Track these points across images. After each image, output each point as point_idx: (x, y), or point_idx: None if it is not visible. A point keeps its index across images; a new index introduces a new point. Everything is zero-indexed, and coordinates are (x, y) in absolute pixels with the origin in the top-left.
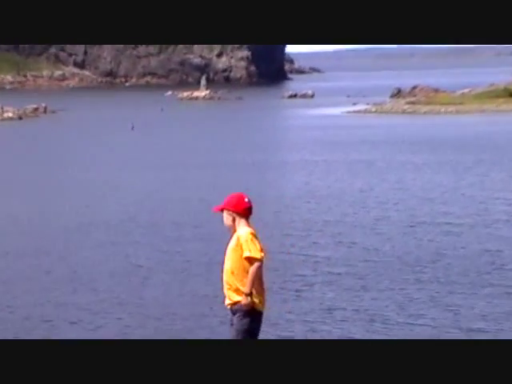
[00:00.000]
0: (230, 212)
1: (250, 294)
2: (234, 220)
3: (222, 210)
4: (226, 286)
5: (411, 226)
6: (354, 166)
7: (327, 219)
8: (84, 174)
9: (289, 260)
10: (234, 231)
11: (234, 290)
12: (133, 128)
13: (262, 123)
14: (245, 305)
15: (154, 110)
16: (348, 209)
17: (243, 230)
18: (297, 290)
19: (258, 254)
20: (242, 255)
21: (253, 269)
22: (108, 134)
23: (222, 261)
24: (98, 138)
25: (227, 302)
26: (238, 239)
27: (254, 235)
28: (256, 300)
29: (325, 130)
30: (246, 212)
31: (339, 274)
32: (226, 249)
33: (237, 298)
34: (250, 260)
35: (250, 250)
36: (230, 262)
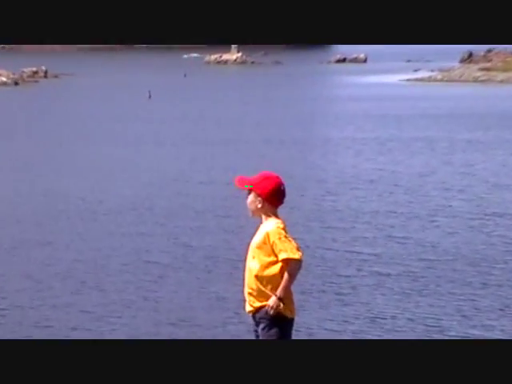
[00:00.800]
0: (260, 199)
1: (281, 299)
2: (262, 207)
3: (249, 191)
4: (247, 290)
5: (479, 219)
6: (412, 146)
7: (377, 209)
8: (90, 150)
9: (330, 257)
10: (259, 217)
11: (256, 295)
12: (150, 96)
13: (304, 93)
14: (272, 308)
15: (175, 75)
16: (402, 197)
17: (271, 223)
18: (338, 294)
19: (296, 254)
20: (270, 254)
21: (291, 271)
22: (120, 104)
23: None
24: (108, 109)
25: (248, 308)
26: (268, 236)
27: (285, 229)
28: (285, 305)
29: (378, 102)
30: (279, 203)
31: (390, 274)
32: (249, 243)
33: (260, 304)
34: (288, 261)
35: (286, 250)
36: (255, 261)
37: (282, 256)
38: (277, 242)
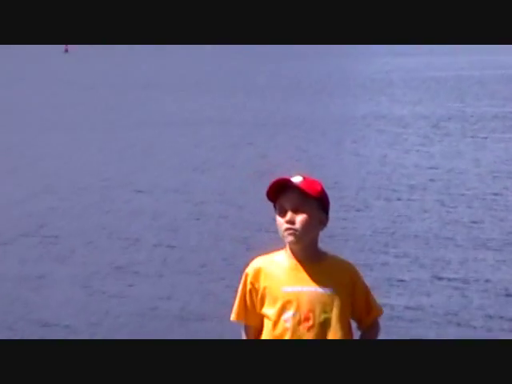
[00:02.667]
0: (325, 215)
1: None
2: (321, 229)
3: (313, 197)
4: None
5: None
6: (484, 128)
7: (426, 232)
8: None
9: None
10: (304, 253)
11: None
12: (67, 50)
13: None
14: None
15: None
16: (468, 213)
17: (339, 259)
18: None
19: (381, 310)
20: (348, 313)
21: (377, 336)
22: (25, 60)
23: None
24: (8, 69)
25: None
26: (355, 281)
27: None
28: None
29: (428, 57)
30: None
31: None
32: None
33: None
34: (377, 323)
35: (378, 307)
36: (335, 331)
37: (375, 314)
38: (369, 292)
